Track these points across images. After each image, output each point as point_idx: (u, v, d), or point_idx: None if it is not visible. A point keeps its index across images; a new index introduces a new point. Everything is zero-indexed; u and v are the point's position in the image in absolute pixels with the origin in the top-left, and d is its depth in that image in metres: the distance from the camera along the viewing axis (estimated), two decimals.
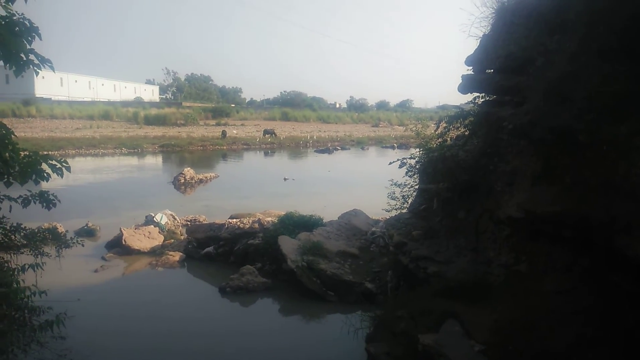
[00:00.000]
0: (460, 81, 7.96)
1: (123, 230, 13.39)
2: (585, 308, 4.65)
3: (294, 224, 12.52)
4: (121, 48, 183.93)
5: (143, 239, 13.54)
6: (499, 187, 6.68)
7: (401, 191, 11.79)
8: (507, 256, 6.32)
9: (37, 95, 66.64)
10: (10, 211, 5.60)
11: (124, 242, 13.04)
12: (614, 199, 4.34)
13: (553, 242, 5.37)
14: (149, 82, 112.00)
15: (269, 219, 13.69)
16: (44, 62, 4.99)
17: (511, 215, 5.73)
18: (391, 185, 12.03)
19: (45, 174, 5.23)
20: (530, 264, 5.84)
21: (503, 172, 6.67)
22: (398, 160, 10.22)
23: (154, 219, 14.76)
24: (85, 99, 76.88)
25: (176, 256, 12.55)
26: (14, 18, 4.76)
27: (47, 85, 71.45)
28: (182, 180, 24.55)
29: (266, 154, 43.86)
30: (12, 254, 6.00)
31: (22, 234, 6.06)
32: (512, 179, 6.35)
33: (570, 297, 4.88)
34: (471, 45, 7.77)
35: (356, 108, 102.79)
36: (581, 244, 4.89)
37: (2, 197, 5.54)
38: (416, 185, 10.74)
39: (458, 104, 11.11)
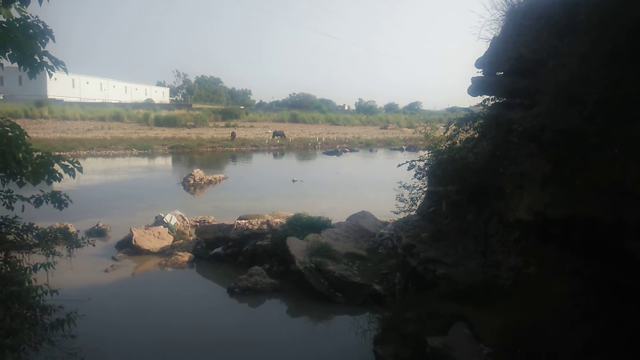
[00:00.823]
0: (470, 84, 7.93)
1: (133, 231, 13.49)
2: (594, 312, 4.60)
3: (302, 226, 12.54)
4: (132, 50, 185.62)
5: (153, 240, 13.63)
6: (509, 189, 6.64)
7: (410, 193, 11.75)
8: (516, 259, 6.28)
9: (49, 97, 67.35)
10: (22, 211, 5.66)
11: (134, 242, 13.14)
12: (624, 202, 4.30)
13: (562, 245, 5.33)
14: (159, 84, 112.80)
15: (278, 220, 13.72)
16: (57, 64, 5.04)
17: (520, 218, 5.69)
18: (399, 187, 11.99)
19: (57, 175, 5.27)
20: (539, 267, 5.80)
21: (512, 175, 6.62)
22: (407, 162, 10.19)
23: (164, 219, 14.85)
24: (97, 101, 77.61)
25: (185, 256, 12.62)
26: (28, 20, 4.81)
27: (59, 86, 72.22)
28: (192, 182, 24.67)
29: (275, 155, 43.95)
30: (24, 254, 6.04)
31: (34, 233, 6.10)
32: (522, 181, 6.30)
33: (580, 301, 4.84)
34: (481, 48, 7.76)
35: (365, 110, 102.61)
36: (591, 247, 4.84)
37: (15, 197, 5.60)
38: (425, 187, 10.69)
39: (467, 106, 11.08)
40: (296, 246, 11.05)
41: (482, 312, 5.50)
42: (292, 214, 13.91)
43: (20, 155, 4.94)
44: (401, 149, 49.66)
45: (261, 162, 39.70)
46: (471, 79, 7.90)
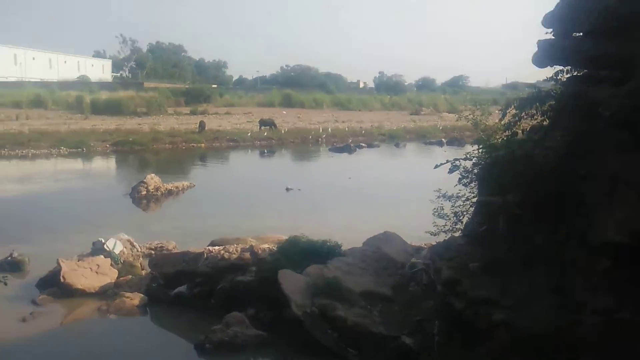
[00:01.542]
0: (536, 49, 7.94)
1: (61, 263, 13.49)
2: None
3: (300, 254, 12.53)
4: (58, 8, 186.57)
5: (89, 275, 13.64)
6: (593, 199, 6.63)
7: (452, 206, 11.76)
8: (605, 298, 6.26)
9: None
10: None
11: (62, 279, 13.14)
12: None
13: None
14: (97, 54, 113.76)
15: (265, 246, 13.73)
16: None
17: (610, 239, 5.68)
18: (438, 197, 12.00)
19: None
20: (638, 309, 5.78)
21: (598, 179, 6.62)
22: (448, 162, 10.20)
23: (105, 246, 14.86)
24: (9, 79, 78.03)
25: (135, 299, 12.62)
26: None
27: None
28: (144, 192, 24.71)
29: (262, 154, 44.01)
30: None
31: None
32: (612, 188, 6.30)
33: None
34: None
35: (388, 89, 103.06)
36: None
37: None
38: (473, 197, 10.70)
39: (533, 81, 11.09)
40: (292, 283, 11.05)
41: None
42: (285, 237, 13.91)
43: None
44: (440, 143, 49.73)
45: (242, 164, 39.83)
46: (537, 43, 7.91)
